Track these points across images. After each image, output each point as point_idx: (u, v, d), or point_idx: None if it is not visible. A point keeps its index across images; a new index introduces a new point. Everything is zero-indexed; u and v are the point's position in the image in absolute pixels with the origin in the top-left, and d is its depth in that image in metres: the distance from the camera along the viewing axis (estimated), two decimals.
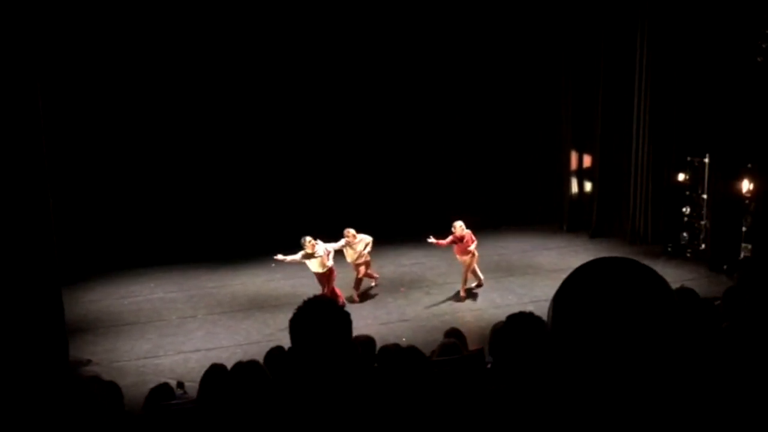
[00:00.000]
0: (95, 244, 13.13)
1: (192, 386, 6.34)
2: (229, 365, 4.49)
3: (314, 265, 10.93)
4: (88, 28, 12.86)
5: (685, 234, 13.69)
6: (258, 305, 11.46)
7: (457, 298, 11.48)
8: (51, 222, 8.99)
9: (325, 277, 10.98)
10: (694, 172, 13.43)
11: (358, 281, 11.56)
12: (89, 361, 9.38)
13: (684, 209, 13.68)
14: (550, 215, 16.31)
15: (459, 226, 11.42)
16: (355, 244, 11.36)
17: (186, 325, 10.68)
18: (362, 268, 11.51)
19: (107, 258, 13.13)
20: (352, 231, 11.39)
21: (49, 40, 11.14)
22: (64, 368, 8.78)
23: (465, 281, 11.60)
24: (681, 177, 13.68)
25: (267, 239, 14.06)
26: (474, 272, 11.74)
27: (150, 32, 13.45)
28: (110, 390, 4.62)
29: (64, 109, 12.45)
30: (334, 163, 15.07)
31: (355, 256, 11.41)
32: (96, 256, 13.00)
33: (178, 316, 11.07)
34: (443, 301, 11.43)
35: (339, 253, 11.33)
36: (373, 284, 11.98)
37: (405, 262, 12.99)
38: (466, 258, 11.48)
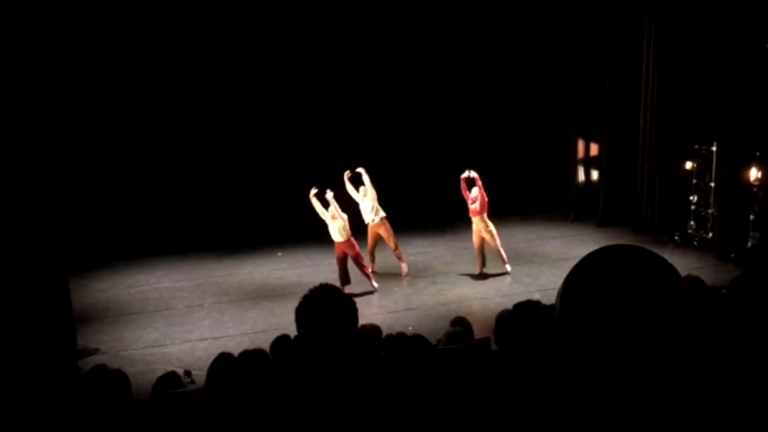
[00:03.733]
0: (102, 234, 13.18)
1: (199, 375, 6.37)
2: (236, 354, 4.50)
3: (335, 233, 10.94)
4: (92, 21, 12.86)
5: (692, 222, 13.65)
6: (265, 294, 11.48)
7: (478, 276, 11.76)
8: (58, 211, 9.01)
9: (346, 248, 10.97)
10: (702, 160, 13.37)
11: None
12: (97, 350, 9.43)
13: (691, 198, 13.63)
14: (556, 204, 16.29)
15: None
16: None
17: (193, 314, 10.71)
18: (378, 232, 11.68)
19: (114, 247, 13.18)
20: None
21: (54, 33, 11.14)
22: (71, 357, 8.83)
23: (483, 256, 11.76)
24: (688, 165, 13.62)
25: (273, 228, 14.12)
26: (482, 251, 11.81)
27: (154, 24, 13.42)
28: (117, 379, 4.64)
29: (70, 99, 12.47)
30: (340, 153, 15.04)
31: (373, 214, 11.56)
32: (103, 246, 13.05)
33: (185, 305, 11.10)
34: (449, 290, 11.43)
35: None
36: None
37: (411, 251, 12.97)
38: (477, 220, 11.54)
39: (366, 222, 11.70)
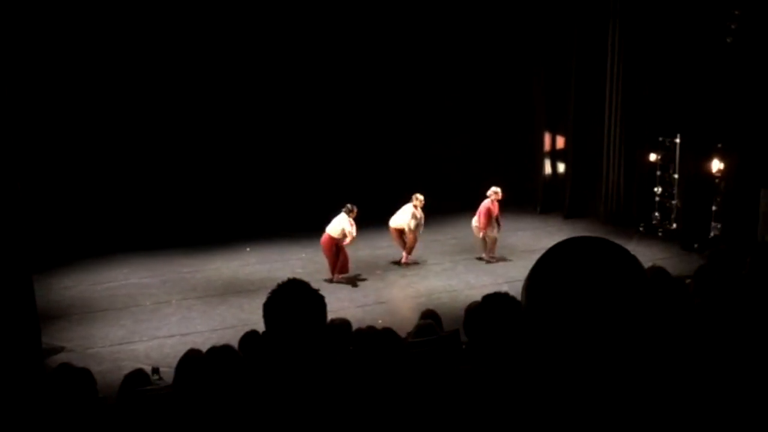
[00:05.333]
0: (67, 231, 12.96)
1: (168, 372, 6.31)
2: (204, 350, 4.46)
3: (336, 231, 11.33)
4: (51, 11, 12.61)
5: (657, 214, 13.86)
6: (233, 290, 11.40)
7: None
8: (21, 208, 8.85)
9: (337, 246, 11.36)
10: (666, 152, 13.58)
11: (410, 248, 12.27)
12: (62, 348, 9.29)
13: (656, 189, 13.84)
14: (524, 197, 16.41)
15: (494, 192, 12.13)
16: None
17: (161, 311, 10.60)
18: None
19: (79, 244, 12.96)
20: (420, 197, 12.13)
21: (11, 24, 10.90)
22: (36, 356, 8.68)
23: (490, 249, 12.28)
24: (653, 157, 13.82)
25: (241, 224, 14.02)
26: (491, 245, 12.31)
27: (117, 15, 13.21)
28: (82, 377, 4.58)
29: (33, 95, 12.24)
30: (307, 147, 15.00)
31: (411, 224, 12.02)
32: (68, 243, 12.83)
33: (152, 302, 10.98)
34: (419, 283, 11.48)
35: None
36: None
37: (381, 245, 12.98)
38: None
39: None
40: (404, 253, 12.28)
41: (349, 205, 11.39)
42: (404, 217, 12.07)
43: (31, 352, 8.58)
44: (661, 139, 13.58)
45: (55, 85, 12.90)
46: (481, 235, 12.16)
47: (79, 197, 13.37)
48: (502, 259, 12.36)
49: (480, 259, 12.32)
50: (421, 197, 12.10)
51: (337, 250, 11.36)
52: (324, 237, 11.37)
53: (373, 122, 15.38)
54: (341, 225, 11.28)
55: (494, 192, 12.11)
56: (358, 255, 12.36)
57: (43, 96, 12.71)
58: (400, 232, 12.21)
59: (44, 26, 12.54)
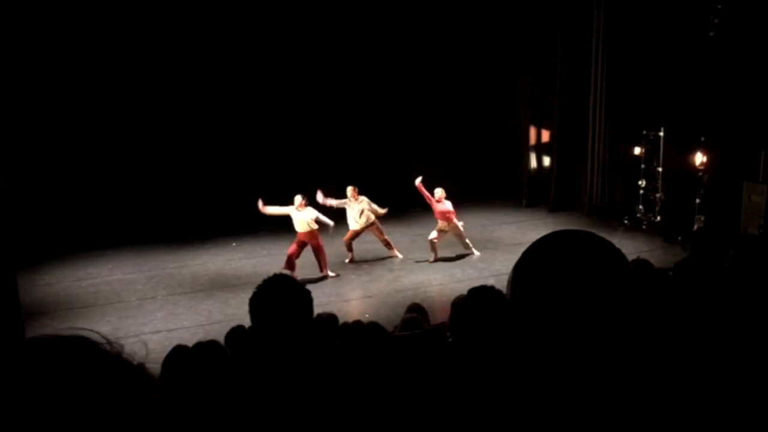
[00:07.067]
0: (51, 226, 12.87)
1: (154, 368, 6.28)
2: (190, 346, 4.44)
3: (300, 225, 11.19)
4: (31, 7, 12.48)
5: (641, 206, 13.97)
6: (219, 285, 11.37)
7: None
8: (4, 203, 8.76)
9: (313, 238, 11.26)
10: (650, 145, 13.68)
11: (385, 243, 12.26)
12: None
13: (640, 182, 13.94)
14: (509, 190, 16.50)
15: (439, 192, 11.89)
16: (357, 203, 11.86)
17: (146, 307, 10.55)
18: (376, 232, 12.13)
19: (63, 240, 12.88)
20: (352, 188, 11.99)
21: None
22: (20, 353, 8.60)
23: (466, 245, 12.18)
24: (637, 151, 13.92)
25: (227, 219, 13.97)
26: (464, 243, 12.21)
27: (91, 9, 13.09)
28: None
29: (17, 89, 12.11)
30: (291, 141, 14.96)
31: (363, 219, 11.88)
32: (52, 238, 12.74)
33: (137, 298, 10.93)
34: (405, 277, 11.49)
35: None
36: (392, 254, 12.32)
37: (368, 239, 12.97)
38: (445, 224, 11.89)
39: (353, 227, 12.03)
40: (393, 250, 12.27)
41: (299, 197, 11.26)
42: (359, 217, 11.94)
43: (14, 350, 8.50)
44: (645, 132, 13.68)
45: (36, 80, 12.77)
46: (448, 232, 12.03)
47: (63, 192, 13.27)
48: (472, 251, 12.36)
49: (467, 255, 12.33)
50: (351, 188, 11.93)
51: (317, 241, 11.32)
52: (302, 235, 11.29)
53: (355, 115, 15.35)
54: (304, 218, 11.20)
55: (443, 192, 11.94)
56: (344, 249, 12.36)
57: (25, 90, 12.58)
58: (358, 233, 12.09)
59: (24, 18, 12.40)
